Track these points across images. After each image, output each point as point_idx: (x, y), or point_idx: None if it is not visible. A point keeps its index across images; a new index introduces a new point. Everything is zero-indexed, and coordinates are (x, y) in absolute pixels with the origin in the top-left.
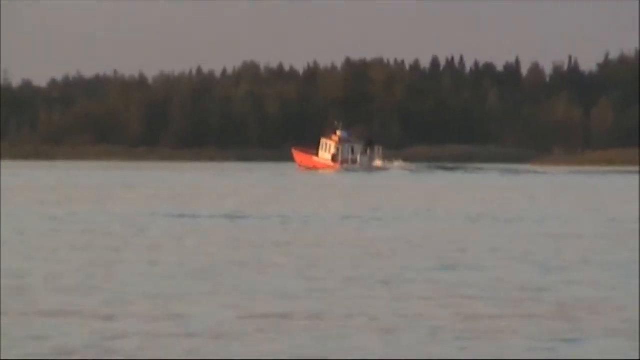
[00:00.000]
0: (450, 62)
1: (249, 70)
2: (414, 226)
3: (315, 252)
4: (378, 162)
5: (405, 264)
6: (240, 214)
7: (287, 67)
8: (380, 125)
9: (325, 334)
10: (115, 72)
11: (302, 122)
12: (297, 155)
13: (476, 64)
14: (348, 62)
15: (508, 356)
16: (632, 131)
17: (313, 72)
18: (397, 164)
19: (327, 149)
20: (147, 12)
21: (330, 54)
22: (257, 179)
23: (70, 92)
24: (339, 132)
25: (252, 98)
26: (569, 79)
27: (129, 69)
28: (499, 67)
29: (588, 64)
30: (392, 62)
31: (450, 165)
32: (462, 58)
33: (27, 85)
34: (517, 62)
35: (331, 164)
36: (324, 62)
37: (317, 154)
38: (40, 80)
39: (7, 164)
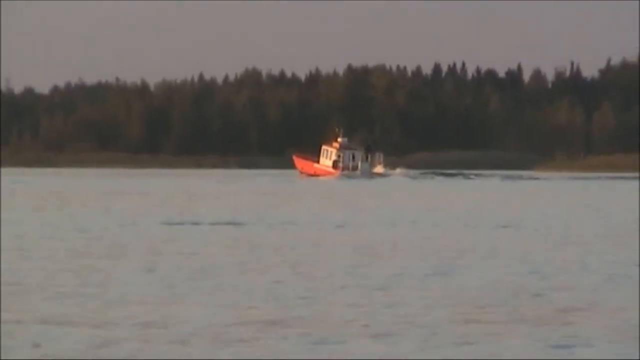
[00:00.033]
0: (452, 68)
1: (251, 77)
2: (411, 231)
3: (312, 258)
4: (379, 169)
5: (401, 269)
6: (239, 220)
7: (288, 74)
8: (381, 131)
9: (321, 339)
10: (117, 78)
11: (304, 128)
12: (298, 161)
13: (478, 70)
14: (350, 69)
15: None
16: (634, 136)
17: (314, 79)
18: (399, 170)
19: (328, 155)
20: (149, 19)
21: (332, 61)
22: (256, 185)
23: (72, 98)
24: (339, 139)
25: (253, 104)
26: (571, 84)
27: (130, 76)
28: (501, 73)
29: (590, 69)
30: (394, 68)
31: (450, 171)
32: (464, 64)
33: (28, 92)
34: (519, 68)
35: (332, 170)
36: (326, 69)
37: (317, 161)
38: (42, 87)
39: (8, 170)
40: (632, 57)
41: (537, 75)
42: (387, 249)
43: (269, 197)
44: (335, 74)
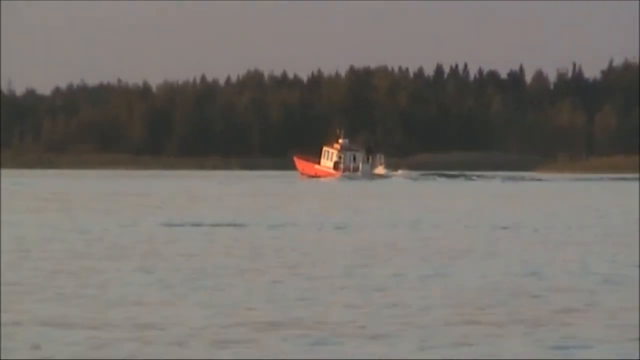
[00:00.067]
0: (454, 70)
1: (253, 78)
2: (411, 232)
3: (312, 259)
4: (380, 170)
5: (401, 270)
6: (240, 221)
7: (291, 75)
8: (383, 133)
9: (320, 340)
10: (119, 80)
11: (306, 130)
12: (299, 163)
13: (480, 71)
14: (352, 70)
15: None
16: (635, 137)
17: (317, 80)
18: (400, 172)
19: (329, 156)
20: (151, 20)
21: (334, 62)
22: (258, 187)
23: (74, 100)
24: (341, 140)
25: (255, 106)
26: (573, 85)
27: (132, 77)
28: (503, 74)
29: (592, 70)
30: (396, 69)
31: (452, 172)
32: (466, 65)
33: (30, 94)
34: (521, 69)
35: (333, 171)
36: (328, 70)
37: (318, 162)
38: (44, 88)
39: (10, 172)
40: (634, 58)
41: (539, 76)
42: (387, 250)
43: (269, 199)
44: (337, 75)
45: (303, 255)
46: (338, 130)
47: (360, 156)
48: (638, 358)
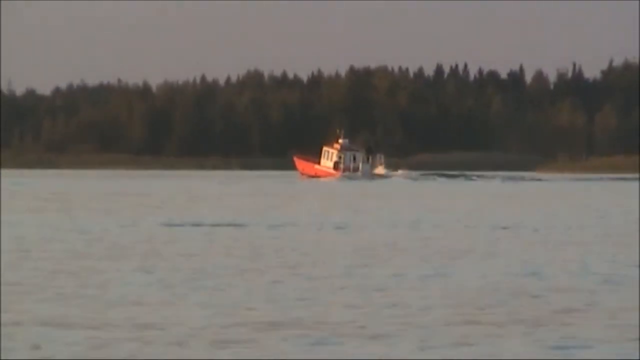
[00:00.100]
0: (454, 70)
1: (253, 78)
2: (411, 232)
3: (312, 259)
4: (380, 170)
5: (401, 270)
6: (240, 221)
7: (290, 75)
8: (383, 133)
9: (320, 340)
10: (119, 80)
11: (306, 130)
12: (299, 163)
13: (480, 71)
14: (352, 70)
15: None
16: (635, 137)
17: (317, 80)
18: (400, 172)
19: (329, 156)
20: (151, 20)
21: (334, 62)
22: (257, 186)
23: (74, 100)
24: (341, 140)
25: (255, 106)
26: (573, 85)
27: (132, 77)
28: (503, 74)
29: (592, 70)
30: (396, 69)
31: (452, 172)
32: (466, 65)
33: (30, 94)
34: (521, 69)
35: (333, 171)
36: (328, 70)
37: (318, 162)
38: (44, 88)
39: (10, 172)
40: (634, 58)
41: (539, 76)
42: (387, 250)
43: (269, 199)
44: (337, 75)
45: (303, 255)
46: (338, 130)
47: (360, 156)
48: (638, 358)
